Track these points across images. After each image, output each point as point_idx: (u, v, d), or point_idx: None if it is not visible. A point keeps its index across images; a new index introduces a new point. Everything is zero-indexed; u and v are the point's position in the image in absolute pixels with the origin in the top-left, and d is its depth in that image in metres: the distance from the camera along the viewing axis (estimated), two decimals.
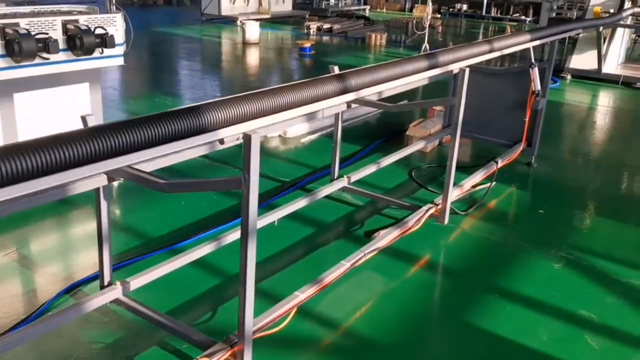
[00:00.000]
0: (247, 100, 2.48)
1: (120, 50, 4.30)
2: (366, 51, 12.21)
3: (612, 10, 8.74)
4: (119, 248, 3.56)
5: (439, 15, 20.27)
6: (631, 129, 7.38)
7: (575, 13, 15.33)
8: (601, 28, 8.84)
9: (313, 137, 6.11)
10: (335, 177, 4.47)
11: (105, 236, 2.80)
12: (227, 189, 2.47)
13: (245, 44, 11.70)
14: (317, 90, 2.90)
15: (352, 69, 3.30)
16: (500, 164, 5.02)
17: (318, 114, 3.36)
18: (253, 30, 11.63)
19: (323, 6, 18.27)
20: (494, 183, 4.91)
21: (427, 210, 4.12)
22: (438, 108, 6.16)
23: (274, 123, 2.68)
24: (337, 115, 4.25)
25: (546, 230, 4.30)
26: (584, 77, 9.84)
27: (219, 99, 2.39)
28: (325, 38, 13.72)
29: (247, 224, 2.23)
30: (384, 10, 21.26)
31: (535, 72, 5.17)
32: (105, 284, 2.88)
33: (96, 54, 4.14)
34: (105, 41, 4.10)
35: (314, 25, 14.18)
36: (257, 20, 15.06)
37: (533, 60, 5.18)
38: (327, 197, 4.40)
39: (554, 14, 15.71)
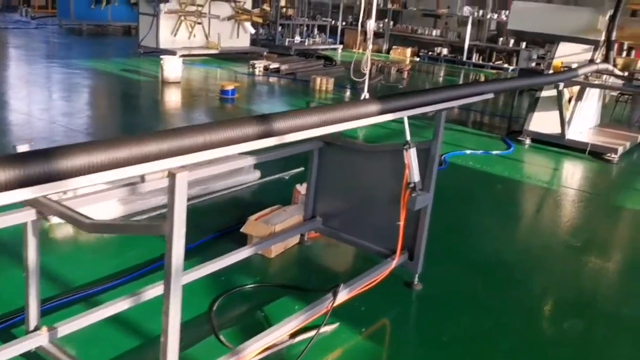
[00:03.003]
0: None
1: None
2: (302, 97, 10.64)
3: (574, 65, 7.13)
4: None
5: (417, 59, 18.85)
6: (584, 227, 5.67)
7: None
8: (561, 86, 7.23)
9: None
10: (31, 329, 2.78)
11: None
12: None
13: (164, 82, 10.13)
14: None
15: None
16: (342, 296, 3.32)
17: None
18: (173, 68, 10.08)
19: (287, 43, 16.79)
20: (327, 328, 3.21)
21: None
22: (303, 190, 4.49)
23: None
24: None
25: None
26: (545, 142, 8.19)
27: None
28: (272, 79, 12.18)
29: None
30: (360, 50, 19.75)
31: (410, 155, 3.51)
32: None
33: None
34: None
35: (259, 65, 12.64)
36: (202, 55, 13.62)
37: (408, 138, 3.53)
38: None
39: (533, 64, 14.20)
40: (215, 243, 4.24)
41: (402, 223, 3.64)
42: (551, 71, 7.53)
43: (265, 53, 15.09)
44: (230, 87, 9.44)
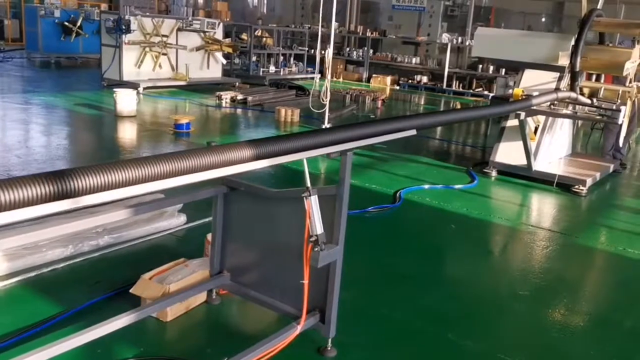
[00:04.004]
0: None
1: None
2: (264, 129, 10.21)
3: (534, 94, 6.71)
4: None
5: (397, 87, 18.50)
6: (538, 272, 5.19)
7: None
8: (522, 115, 6.80)
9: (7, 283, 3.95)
10: None
11: None
12: None
13: (118, 116, 9.69)
14: None
15: None
16: None
17: None
18: (126, 101, 9.65)
19: (261, 74, 16.42)
20: None
21: None
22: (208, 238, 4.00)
23: None
24: None
25: None
26: (511, 174, 7.74)
27: None
28: (238, 111, 11.76)
29: None
30: (341, 79, 19.45)
31: (311, 204, 3.05)
32: None
33: None
34: None
35: (226, 96, 12.24)
36: (169, 87, 13.23)
37: (308, 183, 3.07)
38: None
39: (510, 90, 13.78)
40: (110, 303, 3.75)
41: (306, 282, 3.17)
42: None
43: (237, 84, 14.71)
44: (185, 121, 9.01)
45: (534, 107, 6.32)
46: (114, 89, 10.05)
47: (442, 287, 4.50)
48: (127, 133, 9.06)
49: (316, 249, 3.05)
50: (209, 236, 4.14)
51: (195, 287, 3.64)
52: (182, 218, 5.11)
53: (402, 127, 3.54)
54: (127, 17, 12.24)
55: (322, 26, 11.59)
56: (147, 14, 14.32)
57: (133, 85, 12.22)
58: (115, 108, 9.75)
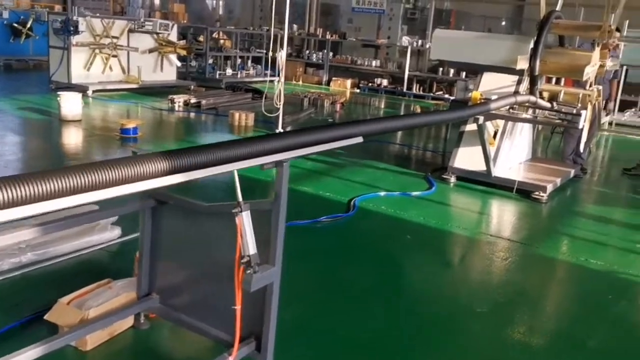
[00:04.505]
0: None
1: None
2: (217, 134, 9.83)
3: (493, 97, 6.48)
4: None
5: (357, 90, 18.26)
6: (496, 287, 4.93)
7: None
8: (481, 120, 6.57)
9: None
10: None
11: None
12: None
13: (62, 121, 9.20)
14: None
15: None
16: None
17: None
18: (71, 105, 9.17)
19: (217, 76, 15.99)
20: None
21: None
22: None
23: None
24: None
25: None
26: (471, 180, 7.50)
27: None
28: (192, 115, 11.34)
29: None
30: (300, 82, 19.14)
31: (243, 221, 2.71)
32: None
33: None
34: None
35: (179, 99, 11.80)
36: (121, 90, 12.74)
37: (240, 198, 2.73)
38: None
39: (470, 94, 13.64)
40: (26, 330, 3.35)
41: (238, 307, 2.82)
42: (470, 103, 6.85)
43: (192, 87, 14.27)
44: (131, 126, 8.57)
45: (493, 112, 6.07)
46: (59, 92, 9.54)
47: (394, 303, 4.19)
48: (69, 139, 8.58)
49: (248, 271, 2.71)
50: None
51: (119, 312, 3.26)
52: (116, 231, 4.72)
53: (347, 134, 3.22)
54: (75, 17, 11.71)
55: (280, 28, 11.31)
56: (97, 14, 13.76)
57: (82, 88, 11.71)
58: (59, 112, 9.24)
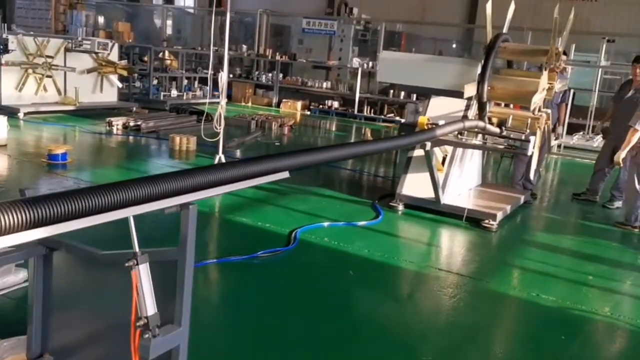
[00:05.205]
0: None
1: None
2: (154, 160, 9.32)
3: (441, 122, 6.19)
4: None
5: (308, 112, 17.93)
6: (441, 329, 4.56)
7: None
8: (428, 146, 6.26)
9: None
10: None
11: None
12: None
13: None
14: None
15: None
16: None
17: None
18: None
19: (162, 98, 15.45)
20: None
21: None
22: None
23: None
24: None
25: None
26: (419, 208, 7.18)
27: None
28: (130, 138, 10.79)
29: None
30: (249, 104, 18.72)
31: (139, 276, 2.27)
32: None
33: None
34: None
35: (118, 122, 11.24)
36: (56, 112, 12.10)
37: (137, 249, 2.30)
38: None
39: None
40: None
41: None
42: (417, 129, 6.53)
43: (134, 109, 13.70)
44: (60, 151, 8.00)
45: (439, 137, 5.77)
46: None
47: (329, 355, 3.78)
48: None
49: (146, 335, 2.27)
50: None
51: None
52: (22, 274, 4.18)
53: (270, 168, 2.82)
54: (4, 35, 11.07)
55: (230, 49, 10.96)
56: (31, 32, 13.12)
57: (13, 110, 11.06)
58: None
